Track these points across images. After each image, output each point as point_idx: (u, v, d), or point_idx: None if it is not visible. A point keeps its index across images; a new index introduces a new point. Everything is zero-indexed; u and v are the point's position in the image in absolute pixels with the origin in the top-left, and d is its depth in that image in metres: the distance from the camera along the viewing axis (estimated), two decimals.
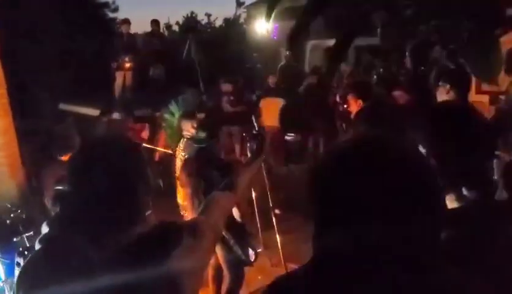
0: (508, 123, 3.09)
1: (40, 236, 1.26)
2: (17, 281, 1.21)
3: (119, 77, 8.61)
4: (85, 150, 1.28)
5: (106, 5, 15.76)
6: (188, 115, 4.17)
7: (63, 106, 9.11)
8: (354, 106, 3.34)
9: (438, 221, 0.82)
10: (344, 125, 6.44)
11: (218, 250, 3.55)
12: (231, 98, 6.85)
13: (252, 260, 3.53)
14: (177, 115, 5.23)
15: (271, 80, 8.31)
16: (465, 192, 1.18)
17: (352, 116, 2.88)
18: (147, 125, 5.97)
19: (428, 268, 0.77)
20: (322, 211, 0.83)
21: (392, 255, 0.76)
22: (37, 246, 1.24)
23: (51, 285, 1.08)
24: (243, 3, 18.59)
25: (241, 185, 1.73)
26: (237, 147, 6.69)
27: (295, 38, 1.39)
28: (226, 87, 6.96)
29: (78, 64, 8.92)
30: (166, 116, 5.68)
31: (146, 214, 1.34)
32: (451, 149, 1.20)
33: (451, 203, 1.18)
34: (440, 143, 1.22)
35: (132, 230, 1.17)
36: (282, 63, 9.84)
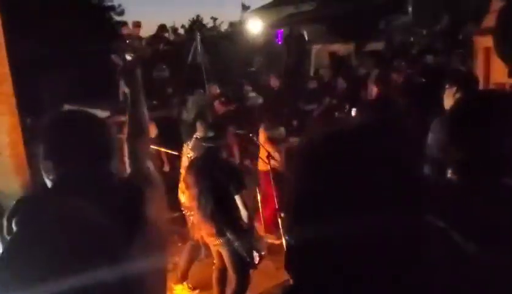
0: None
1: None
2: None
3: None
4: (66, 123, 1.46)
5: (112, 8, 15.83)
6: (202, 115, 4.19)
7: (68, 107, 9.16)
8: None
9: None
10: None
11: (224, 253, 3.55)
12: (222, 99, 7.09)
13: (257, 263, 3.52)
14: (192, 115, 5.27)
15: (273, 82, 8.29)
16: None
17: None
18: (153, 123, 5.99)
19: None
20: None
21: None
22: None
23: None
24: (248, 7, 18.67)
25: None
26: (235, 148, 6.71)
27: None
28: (213, 89, 7.35)
29: (84, 65, 8.96)
30: (184, 116, 5.70)
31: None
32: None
33: None
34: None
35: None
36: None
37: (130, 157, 1.64)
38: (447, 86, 3.14)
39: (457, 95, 3.04)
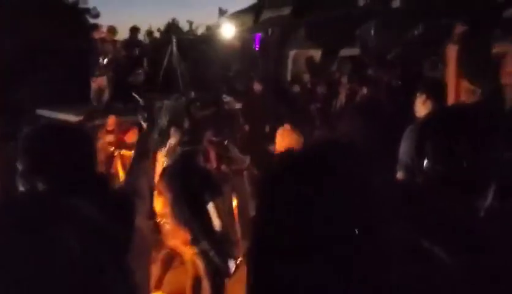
0: None
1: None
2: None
3: (97, 83, 8.52)
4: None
5: (87, 11, 15.62)
6: (177, 120, 4.15)
7: (40, 112, 8.96)
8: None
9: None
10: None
11: (198, 261, 3.51)
12: (197, 103, 7.12)
13: (233, 270, 3.50)
14: (166, 120, 5.21)
15: (256, 87, 8.30)
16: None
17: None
18: (135, 128, 5.91)
19: None
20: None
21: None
22: None
23: None
24: (226, 11, 18.67)
25: None
26: (212, 154, 6.69)
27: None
28: (190, 93, 7.47)
29: (56, 68, 8.79)
30: (159, 121, 5.63)
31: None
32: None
33: None
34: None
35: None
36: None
37: (130, 173, 1.79)
38: (418, 94, 3.20)
39: (427, 103, 3.10)
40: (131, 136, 5.76)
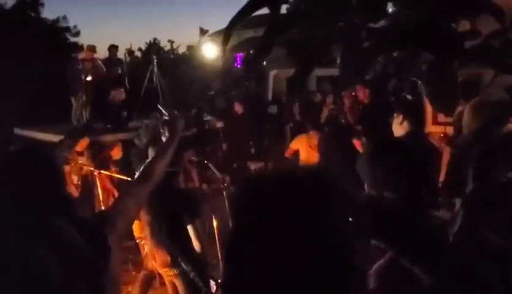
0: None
1: None
2: None
3: (77, 102, 8.43)
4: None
5: (67, 29, 15.54)
6: (157, 140, 4.11)
7: (18, 131, 8.80)
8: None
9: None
10: None
11: (179, 283, 3.46)
12: None
13: (214, 291, 3.46)
14: (145, 139, 5.17)
15: (237, 107, 8.32)
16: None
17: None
18: (119, 145, 5.85)
19: None
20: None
21: None
22: None
23: None
24: (207, 31, 18.81)
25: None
26: (194, 173, 6.67)
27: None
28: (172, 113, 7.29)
29: (37, 88, 8.69)
30: (136, 141, 5.58)
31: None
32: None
33: None
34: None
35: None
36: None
37: (121, 197, 1.71)
38: (395, 115, 3.27)
39: (404, 124, 3.17)
40: (117, 153, 5.71)
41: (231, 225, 0.79)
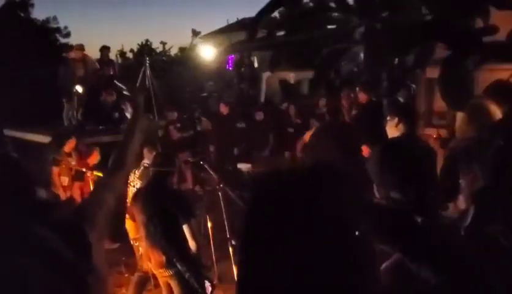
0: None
1: None
2: None
3: (69, 103, 8.36)
4: None
5: (57, 30, 15.44)
6: (150, 142, 4.10)
7: (8, 133, 8.71)
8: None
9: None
10: None
11: (174, 284, 3.45)
12: (178, 124, 7.14)
13: (208, 293, 3.45)
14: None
15: (223, 109, 8.27)
16: None
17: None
18: (95, 150, 5.78)
19: None
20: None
21: None
22: None
23: None
24: (199, 32, 18.79)
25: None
26: (188, 174, 6.65)
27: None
28: (171, 115, 7.46)
29: (27, 89, 8.61)
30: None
31: None
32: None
33: None
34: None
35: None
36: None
37: (96, 189, 1.66)
38: (388, 118, 3.29)
39: (400, 126, 3.19)
40: (94, 159, 5.65)
41: (243, 224, 0.79)
